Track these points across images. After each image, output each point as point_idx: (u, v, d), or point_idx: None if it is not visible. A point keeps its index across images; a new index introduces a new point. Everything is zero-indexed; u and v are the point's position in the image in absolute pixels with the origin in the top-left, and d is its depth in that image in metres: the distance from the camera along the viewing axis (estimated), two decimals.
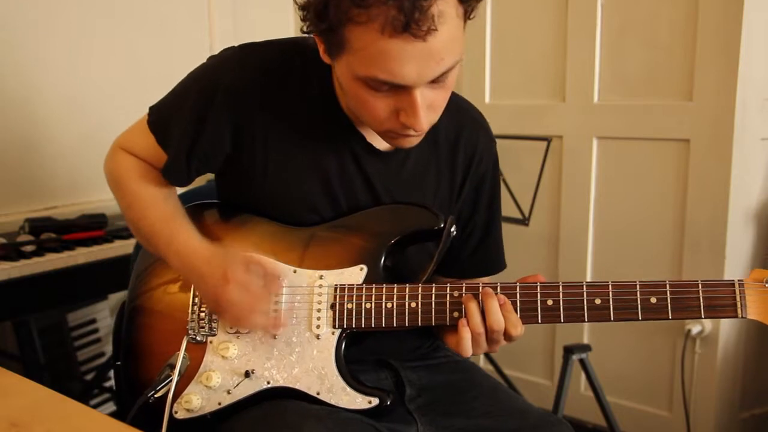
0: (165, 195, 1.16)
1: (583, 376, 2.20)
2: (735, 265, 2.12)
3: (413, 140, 1.01)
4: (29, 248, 1.77)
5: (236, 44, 1.11)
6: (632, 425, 2.34)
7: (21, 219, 1.90)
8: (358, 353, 1.10)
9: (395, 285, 1.03)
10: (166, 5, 2.37)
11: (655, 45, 2.19)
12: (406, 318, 1.02)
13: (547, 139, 2.22)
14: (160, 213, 1.12)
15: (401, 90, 0.91)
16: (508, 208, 2.22)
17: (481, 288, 1.00)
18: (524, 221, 2.22)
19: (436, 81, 0.92)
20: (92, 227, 1.92)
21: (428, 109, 0.95)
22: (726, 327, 2.17)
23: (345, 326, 1.04)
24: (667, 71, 2.18)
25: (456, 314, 1.00)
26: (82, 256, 1.81)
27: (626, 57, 2.25)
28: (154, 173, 1.16)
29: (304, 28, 0.93)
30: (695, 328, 2.16)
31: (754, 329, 2.26)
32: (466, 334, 0.99)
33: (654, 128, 2.21)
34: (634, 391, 2.37)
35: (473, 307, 0.99)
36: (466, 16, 0.91)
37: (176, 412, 1.05)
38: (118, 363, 1.18)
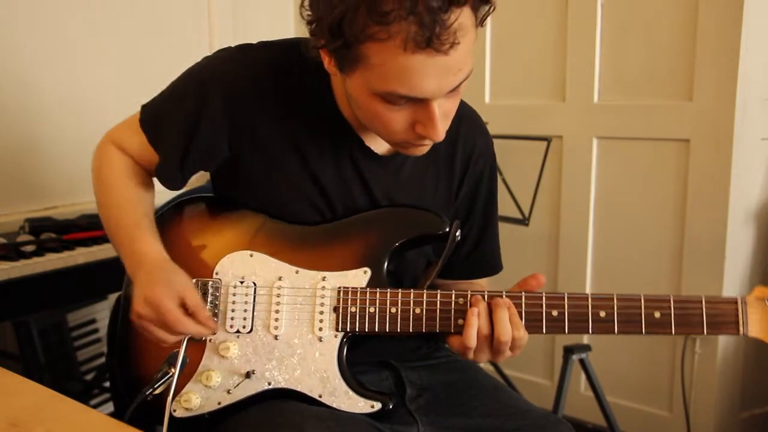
0: (139, 198, 1.15)
1: (583, 376, 2.20)
2: (735, 264, 2.12)
3: (426, 149, 1.02)
4: (29, 248, 1.76)
5: (234, 44, 1.11)
6: (632, 425, 2.34)
7: (21, 219, 1.90)
8: (359, 354, 1.10)
9: (399, 290, 1.03)
10: (166, 5, 2.37)
11: (655, 45, 2.19)
12: (411, 324, 1.02)
13: (547, 139, 2.22)
14: (130, 217, 1.11)
15: (419, 102, 0.91)
16: (508, 208, 2.22)
17: (486, 296, 1.00)
18: (524, 221, 2.22)
19: (451, 91, 0.92)
20: (92, 227, 1.92)
21: (444, 119, 0.95)
22: None
23: (348, 330, 1.03)
24: (667, 71, 2.17)
25: (460, 321, 1.00)
26: (82, 256, 1.81)
27: (626, 57, 2.25)
28: (139, 172, 1.16)
29: (314, 43, 0.92)
30: None
31: None
32: (473, 321, 0.98)
33: (654, 128, 2.21)
34: (634, 391, 2.37)
35: (482, 307, 0.99)
36: (479, 24, 0.91)
37: (175, 411, 1.05)
38: (113, 363, 1.17)
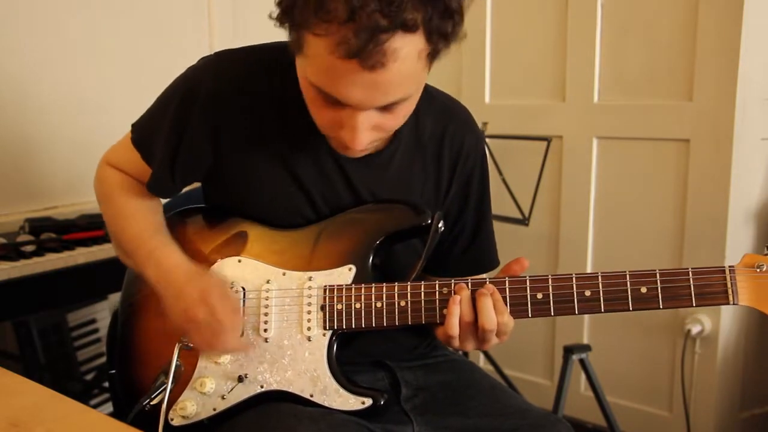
0: (148, 209, 1.17)
1: (583, 376, 2.20)
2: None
3: (352, 154, 1.01)
4: (29, 248, 1.77)
5: (235, 46, 1.11)
6: (632, 425, 2.34)
7: (21, 219, 1.90)
8: (354, 354, 1.11)
9: (384, 284, 1.03)
10: (165, 5, 2.37)
11: (655, 45, 2.19)
12: (396, 317, 1.02)
13: (547, 139, 2.22)
14: (142, 226, 1.12)
15: (347, 107, 0.91)
16: (508, 208, 2.22)
17: (470, 284, 1.00)
18: (524, 221, 2.22)
19: (384, 108, 0.92)
20: (92, 227, 1.92)
21: (373, 129, 0.94)
22: (726, 327, 2.17)
23: (336, 327, 1.03)
24: (667, 71, 2.17)
25: (445, 311, 1.00)
26: (82, 256, 1.81)
27: (626, 57, 2.25)
28: (140, 187, 1.17)
29: (273, 15, 0.92)
30: (695, 328, 2.16)
31: (755, 328, 2.26)
32: (455, 310, 0.98)
33: (654, 128, 2.21)
34: (634, 391, 2.37)
35: (465, 295, 0.98)
36: (432, 56, 0.89)
37: (172, 419, 1.05)
38: (113, 371, 1.18)
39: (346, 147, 0.97)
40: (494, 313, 0.97)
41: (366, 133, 0.93)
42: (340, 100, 0.89)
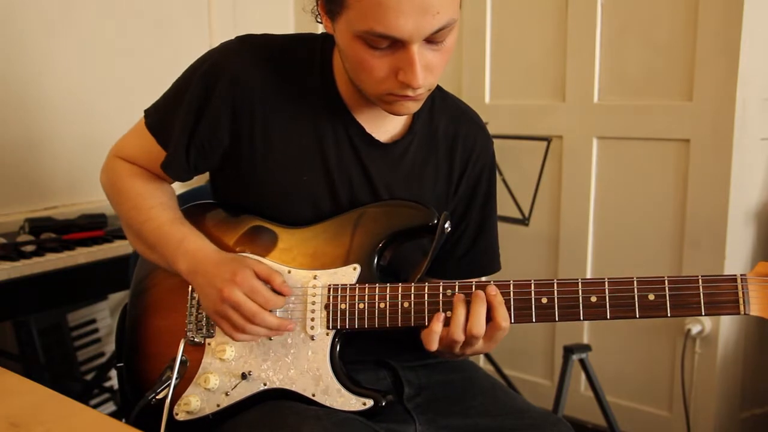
0: (169, 198, 1.16)
1: (583, 376, 2.20)
2: (735, 264, 2.12)
3: (410, 105, 1.01)
4: (29, 248, 1.77)
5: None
6: (632, 425, 2.34)
7: (21, 219, 1.91)
8: (357, 353, 1.11)
9: (388, 285, 1.02)
10: (166, 5, 2.37)
11: (655, 45, 2.19)
12: (399, 318, 1.01)
13: (547, 139, 2.22)
14: (169, 215, 1.11)
15: (399, 47, 0.92)
16: (508, 208, 2.22)
17: (474, 287, 0.99)
18: (524, 221, 2.22)
19: (433, 41, 0.93)
20: (92, 227, 1.92)
21: (425, 70, 0.95)
22: (726, 327, 2.17)
23: (339, 327, 1.03)
24: (667, 71, 2.17)
25: (449, 313, 0.99)
26: (82, 256, 1.82)
27: (626, 57, 2.25)
28: (155, 177, 1.17)
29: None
30: (695, 327, 2.16)
31: (755, 329, 2.26)
32: (436, 328, 0.98)
33: (654, 128, 2.21)
34: (634, 391, 2.37)
35: (460, 311, 0.97)
36: None
37: (177, 414, 1.05)
38: (121, 364, 1.18)
39: (404, 93, 0.96)
40: (485, 320, 0.96)
41: (422, 72, 0.93)
42: (392, 34, 0.89)
